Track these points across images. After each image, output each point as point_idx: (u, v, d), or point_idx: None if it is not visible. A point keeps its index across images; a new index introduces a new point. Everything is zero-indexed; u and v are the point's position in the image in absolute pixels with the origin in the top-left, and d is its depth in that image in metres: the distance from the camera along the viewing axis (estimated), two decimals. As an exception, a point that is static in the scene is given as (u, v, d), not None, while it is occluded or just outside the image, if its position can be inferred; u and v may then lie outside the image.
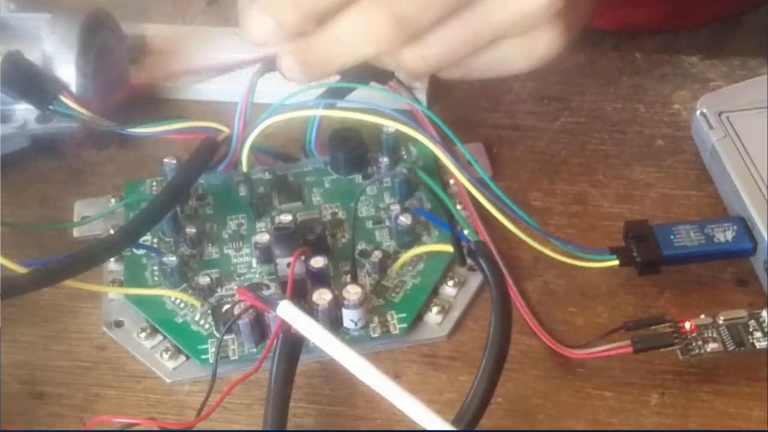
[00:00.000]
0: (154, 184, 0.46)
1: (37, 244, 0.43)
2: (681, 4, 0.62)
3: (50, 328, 0.41)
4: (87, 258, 0.39)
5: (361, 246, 0.42)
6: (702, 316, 0.38)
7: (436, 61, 0.40)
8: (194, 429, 0.36)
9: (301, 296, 0.38)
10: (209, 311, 0.40)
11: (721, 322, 0.38)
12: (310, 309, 0.38)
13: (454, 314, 0.41)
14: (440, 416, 0.32)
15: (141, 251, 0.42)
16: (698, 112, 0.46)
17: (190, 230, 0.42)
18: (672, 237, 0.41)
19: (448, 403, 0.37)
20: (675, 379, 0.38)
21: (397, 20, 0.38)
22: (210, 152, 0.43)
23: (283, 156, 0.46)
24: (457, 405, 0.35)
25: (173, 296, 0.41)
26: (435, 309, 0.40)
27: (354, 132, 0.45)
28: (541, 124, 0.50)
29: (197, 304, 0.40)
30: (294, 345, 0.36)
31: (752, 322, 0.38)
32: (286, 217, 0.41)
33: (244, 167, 0.44)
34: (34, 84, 0.44)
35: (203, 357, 0.39)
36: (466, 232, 0.42)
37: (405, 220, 0.42)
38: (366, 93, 0.43)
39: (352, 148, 0.45)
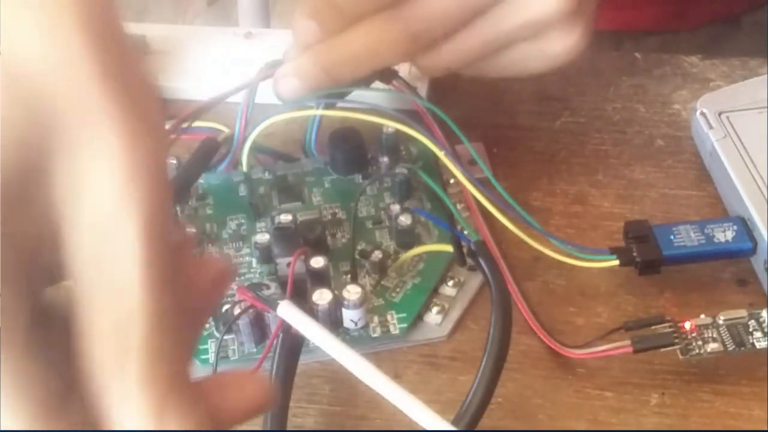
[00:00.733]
0: (154, 184, 0.46)
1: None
2: (681, 4, 0.62)
3: (50, 328, 0.41)
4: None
5: (361, 246, 0.42)
6: (702, 316, 0.38)
7: (450, 64, 0.42)
8: (194, 429, 0.36)
9: (301, 296, 0.38)
10: (209, 311, 0.40)
11: (721, 322, 0.38)
12: (310, 309, 0.37)
13: (454, 314, 0.41)
14: (440, 416, 0.32)
15: (141, 251, 0.42)
16: (698, 112, 0.46)
17: (190, 230, 0.42)
18: (672, 237, 0.41)
19: (448, 403, 0.37)
20: (675, 379, 0.38)
21: (412, 36, 0.39)
22: (210, 152, 0.43)
23: (283, 156, 0.46)
24: (457, 405, 0.35)
25: (173, 296, 0.41)
26: (435, 309, 0.40)
27: (354, 132, 0.45)
28: (541, 124, 0.50)
29: (197, 304, 0.40)
30: (294, 345, 0.36)
31: (752, 322, 0.38)
32: (286, 217, 0.41)
33: (244, 167, 0.44)
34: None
35: (203, 357, 0.39)
36: (466, 232, 0.42)
37: (405, 220, 0.42)
38: (366, 93, 0.44)
39: (352, 148, 0.45)
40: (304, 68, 0.41)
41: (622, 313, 0.41)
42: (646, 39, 0.63)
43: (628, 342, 0.37)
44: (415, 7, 0.39)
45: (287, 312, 0.35)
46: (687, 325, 0.38)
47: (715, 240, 0.41)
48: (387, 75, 0.44)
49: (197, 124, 0.44)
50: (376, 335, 0.39)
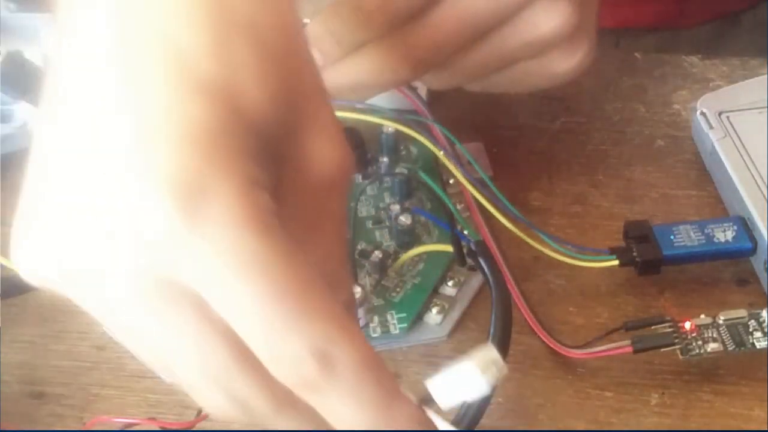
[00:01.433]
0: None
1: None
2: (681, 3, 0.62)
3: (50, 328, 0.41)
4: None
5: (361, 246, 0.42)
6: (702, 316, 0.38)
7: (453, 82, 0.43)
8: (194, 429, 0.36)
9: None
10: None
11: (721, 322, 0.38)
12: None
13: (454, 314, 0.41)
14: (440, 416, 0.32)
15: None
16: (698, 112, 0.46)
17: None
18: (672, 237, 0.41)
19: (448, 403, 0.37)
20: (675, 379, 0.38)
21: (416, 61, 0.40)
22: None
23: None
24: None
25: (173, 296, 0.41)
26: (435, 309, 0.40)
27: (354, 132, 0.45)
28: (541, 124, 0.50)
29: (197, 304, 0.40)
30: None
31: (752, 322, 0.38)
32: (286, 217, 0.41)
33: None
34: (34, 84, 0.44)
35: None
36: (466, 232, 0.42)
37: (405, 220, 0.42)
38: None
39: (352, 148, 0.45)
40: None
41: (622, 313, 0.41)
42: (646, 37, 0.63)
43: (628, 342, 0.37)
44: (419, 32, 0.39)
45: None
46: (687, 325, 0.38)
47: (715, 240, 0.41)
48: None
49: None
50: (376, 335, 0.39)
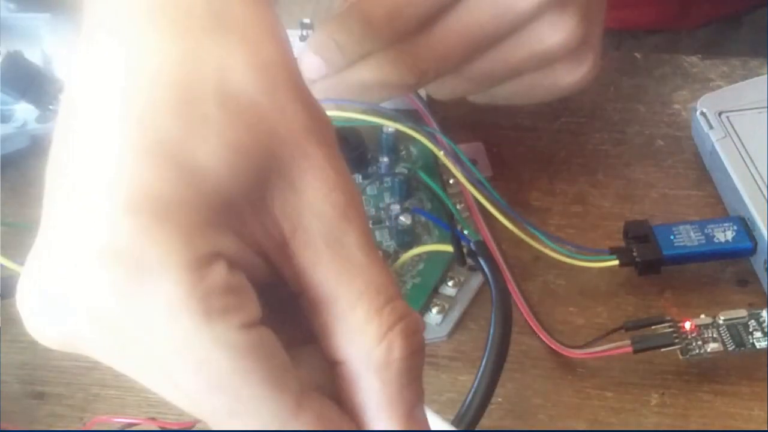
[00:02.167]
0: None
1: (37, 244, 0.43)
2: (681, 4, 0.62)
3: (50, 328, 0.41)
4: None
5: (361, 246, 0.42)
6: (702, 316, 0.38)
7: (457, 92, 0.43)
8: (194, 429, 0.36)
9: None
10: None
11: (721, 322, 0.38)
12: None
13: (454, 314, 0.41)
14: (440, 416, 0.32)
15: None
16: (698, 112, 0.46)
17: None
18: (672, 237, 0.41)
19: (448, 403, 0.37)
20: (675, 379, 0.38)
21: (422, 71, 0.40)
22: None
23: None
24: (457, 405, 0.35)
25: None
26: (435, 309, 0.40)
27: (354, 132, 0.45)
28: (541, 124, 0.50)
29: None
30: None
31: (752, 322, 0.38)
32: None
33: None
34: (34, 84, 0.44)
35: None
36: (466, 232, 0.42)
37: (405, 220, 0.42)
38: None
39: (352, 148, 0.45)
40: None
41: (622, 313, 0.41)
42: (647, 38, 0.63)
43: (628, 342, 0.37)
44: (425, 43, 0.40)
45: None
46: (687, 325, 0.38)
47: (715, 240, 0.41)
48: None
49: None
50: (376, 335, 0.39)
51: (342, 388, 0.26)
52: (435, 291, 0.41)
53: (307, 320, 0.26)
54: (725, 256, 0.41)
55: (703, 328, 0.38)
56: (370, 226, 0.43)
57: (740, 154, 0.44)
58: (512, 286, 0.41)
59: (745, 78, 0.49)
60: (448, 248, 0.40)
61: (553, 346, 0.39)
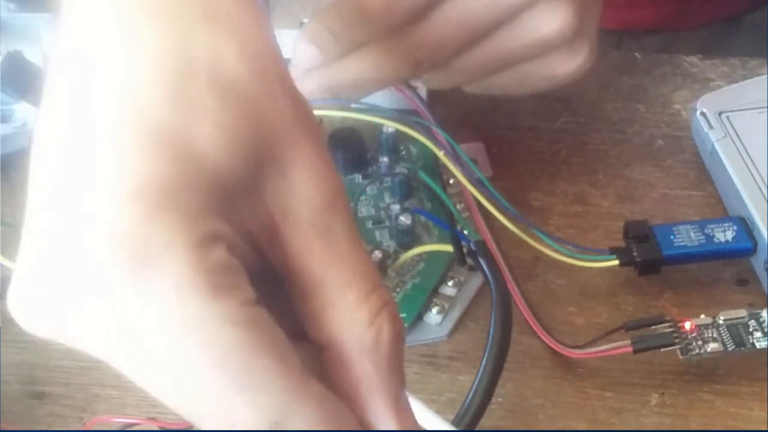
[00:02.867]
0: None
1: (37, 244, 0.43)
2: (681, 4, 0.62)
3: (50, 328, 0.41)
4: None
5: (361, 246, 0.42)
6: (702, 316, 0.38)
7: (453, 82, 0.43)
8: (194, 429, 0.36)
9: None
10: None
11: (721, 322, 0.38)
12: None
13: (454, 314, 0.41)
14: (440, 416, 0.32)
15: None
16: (698, 112, 0.46)
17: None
18: (672, 237, 0.41)
19: (448, 403, 0.37)
20: (675, 379, 0.38)
21: (417, 61, 0.40)
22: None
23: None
24: (457, 405, 0.35)
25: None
26: (435, 309, 0.40)
27: (354, 132, 0.45)
28: (541, 124, 0.50)
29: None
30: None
31: (752, 322, 0.38)
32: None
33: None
34: (34, 84, 0.44)
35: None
36: (466, 232, 0.42)
37: (405, 220, 0.42)
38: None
39: (352, 148, 0.45)
40: (306, 90, 0.41)
41: (622, 313, 0.41)
42: (647, 38, 0.63)
43: (628, 342, 0.37)
44: (420, 33, 0.39)
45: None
46: (687, 325, 0.38)
47: (715, 240, 0.41)
48: None
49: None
50: (376, 335, 0.39)
51: (330, 372, 0.26)
52: (435, 291, 0.41)
53: (295, 307, 0.27)
54: (725, 256, 0.41)
55: (703, 328, 0.38)
56: (370, 225, 0.43)
57: (740, 154, 0.44)
58: (512, 286, 0.41)
59: (745, 78, 0.49)
60: (448, 248, 0.40)
61: (553, 346, 0.39)
